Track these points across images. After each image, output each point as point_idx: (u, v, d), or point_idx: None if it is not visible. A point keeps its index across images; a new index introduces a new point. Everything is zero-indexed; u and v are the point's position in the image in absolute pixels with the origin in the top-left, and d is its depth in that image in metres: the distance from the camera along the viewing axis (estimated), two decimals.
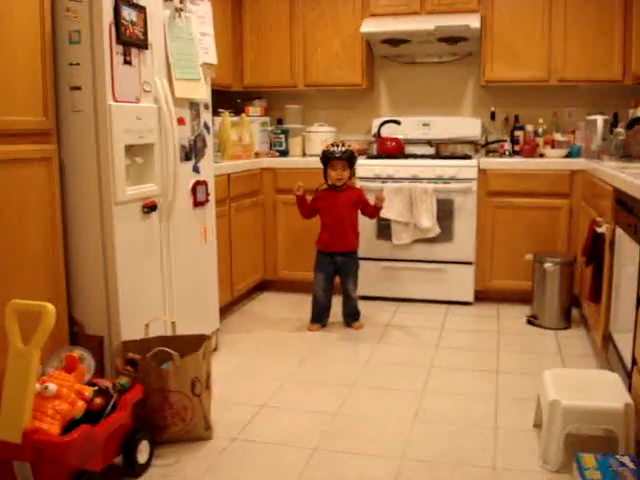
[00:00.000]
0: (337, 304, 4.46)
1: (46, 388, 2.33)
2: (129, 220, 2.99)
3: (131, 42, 2.92)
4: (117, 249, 2.91)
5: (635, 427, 2.49)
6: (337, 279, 4.43)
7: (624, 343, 2.93)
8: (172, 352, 2.71)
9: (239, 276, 4.69)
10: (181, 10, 3.31)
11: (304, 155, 5.43)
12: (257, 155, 5.14)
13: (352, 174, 4.38)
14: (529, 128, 5.13)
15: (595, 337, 3.72)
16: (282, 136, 5.43)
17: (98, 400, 2.48)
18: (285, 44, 5.30)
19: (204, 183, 3.64)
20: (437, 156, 5.10)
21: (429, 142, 5.34)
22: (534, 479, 2.52)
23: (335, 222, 4.30)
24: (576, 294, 4.46)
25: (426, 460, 2.68)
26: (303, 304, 4.91)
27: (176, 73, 3.27)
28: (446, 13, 4.94)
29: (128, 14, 2.88)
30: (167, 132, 3.17)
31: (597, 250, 3.58)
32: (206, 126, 3.65)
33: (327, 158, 4.27)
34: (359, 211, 4.39)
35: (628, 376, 2.77)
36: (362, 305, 4.71)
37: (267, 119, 5.49)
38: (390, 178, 4.78)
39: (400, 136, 5.30)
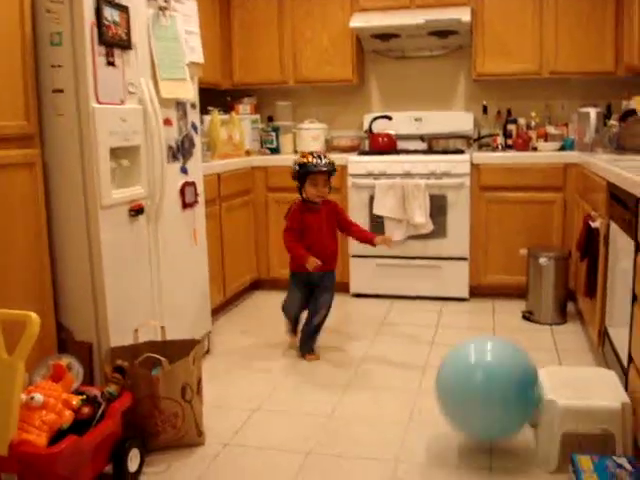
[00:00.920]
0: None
1: (32, 398, 2.28)
2: (116, 224, 2.94)
3: (114, 43, 2.87)
4: (104, 254, 2.86)
5: (632, 426, 2.46)
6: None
7: (620, 339, 2.89)
8: (161, 358, 2.67)
9: (231, 276, 4.65)
10: (165, 9, 3.25)
11: (296, 152, 5.38)
12: (248, 153, 5.10)
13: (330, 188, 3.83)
14: (522, 121, 5.09)
15: (591, 332, 3.69)
16: (273, 134, 5.38)
17: (86, 409, 2.44)
18: (274, 41, 5.25)
19: (193, 184, 3.59)
20: (429, 151, 5.06)
21: (421, 137, 5.30)
22: None
23: (321, 241, 3.79)
24: (571, 288, 4.43)
25: (421, 463, 2.64)
26: None
27: (161, 73, 3.21)
28: (436, 7, 4.89)
29: (110, 14, 2.83)
30: (153, 133, 3.11)
31: (592, 245, 3.54)
32: (194, 126, 3.59)
33: (308, 172, 3.67)
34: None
35: (624, 373, 2.73)
36: (356, 302, 4.69)
37: (257, 117, 5.45)
38: (382, 174, 4.73)
39: (392, 132, 5.25)
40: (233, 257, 4.67)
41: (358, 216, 4.80)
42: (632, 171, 2.83)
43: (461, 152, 4.84)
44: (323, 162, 3.67)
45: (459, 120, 5.26)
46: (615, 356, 2.98)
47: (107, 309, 2.91)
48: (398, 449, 2.75)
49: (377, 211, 4.70)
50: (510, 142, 5.03)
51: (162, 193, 3.20)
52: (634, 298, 2.58)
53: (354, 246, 4.71)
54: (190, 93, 3.49)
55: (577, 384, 2.67)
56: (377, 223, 4.75)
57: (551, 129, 4.98)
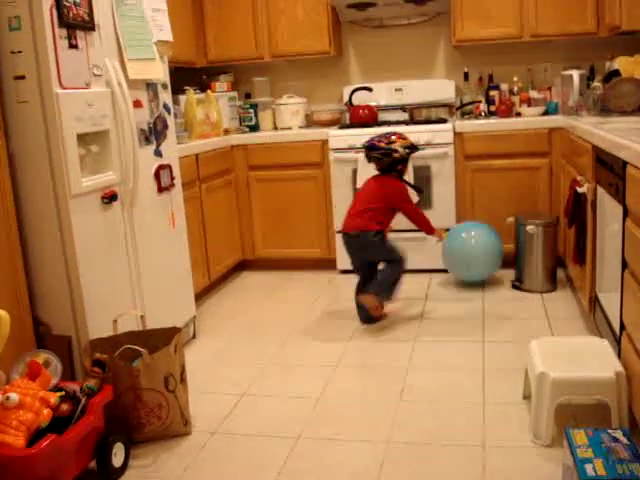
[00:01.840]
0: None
1: (7, 398, 2.21)
2: (88, 212, 2.84)
3: (76, 24, 2.75)
4: (77, 244, 2.76)
5: (627, 396, 2.40)
6: None
7: (611, 305, 2.83)
8: (140, 349, 2.59)
9: (215, 259, 4.57)
10: None
11: (275, 129, 5.29)
12: (226, 132, 4.99)
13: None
14: (504, 87, 4.99)
15: (581, 299, 3.63)
16: (251, 111, 5.28)
17: (65, 406, 2.37)
18: (248, 15, 5.11)
19: (168, 167, 3.49)
20: (411, 122, 4.96)
21: (403, 108, 5.19)
22: (525, 456, 2.43)
23: None
24: (560, 255, 4.37)
25: (413, 442, 2.58)
26: (283, 282, 4.84)
27: (128, 54, 3.10)
28: None
29: None
30: (123, 117, 3.01)
31: (579, 211, 3.47)
32: (166, 107, 3.49)
33: (412, 153, 3.95)
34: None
35: (617, 341, 2.67)
36: (343, 279, 4.63)
37: (235, 94, 5.33)
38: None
39: (373, 103, 5.16)
40: (216, 239, 4.58)
41: (341, 191, 4.72)
42: (617, 133, 2.75)
43: (444, 121, 4.75)
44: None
45: (440, 88, 5.16)
46: (607, 323, 2.92)
47: (84, 301, 2.82)
48: (389, 429, 2.69)
49: (360, 185, 4.60)
50: (493, 109, 4.94)
51: (135, 178, 3.10)
52: (624, 264, 2.52)
53: (338, 222, 4.63)
54: (160, 73, 3.38)
55: (569, 355, 2.61)
56: None
57: (534, 93, 4.89)
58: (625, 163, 2.46)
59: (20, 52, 2.63)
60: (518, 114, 4.81)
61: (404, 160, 3.90)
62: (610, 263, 2.87)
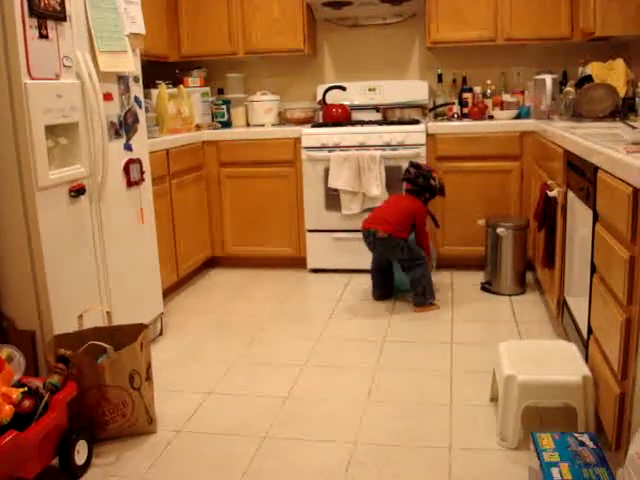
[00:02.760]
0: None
1: None
2: (55, 206, 2.78)
3: (47, 14, 2.69)
4: (43, 237, 2.71)
5: (594, 400, 2.41)
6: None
7: (579, 309, 2.85)
8: (105, 346, 2.55)
9: (185, 255, 4.52)
10: None
11: (248, 125, 5.25)
12: (198, 128, 4.95)
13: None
14: (477, 90, 5.01)
15: (550, 302, 3.65)
16: (224, 107, 5.24)
17: (27, 402, 2.32)
18: (222, 10, 5.07)
19: (138, 161, 3.44)
20: (384, 122, 4.95)
21: (376, 108, 5.19)
22: (492, 458, 2.43)
23: None
24: (530, 258, 4.39)
25: (379, 443, 2.57)
26: (253, 280, 4.80)
27: (99, 45, 3.05)
28: None
29: None
30: (92, 109, 2.96)
31: (549, 214, 3.49)
32: (137, 100, 3.44)
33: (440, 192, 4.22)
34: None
35: (584, 345, 2.68)
36: (313, 278, 4.61)
37: (207, 89, 5.28)
38: (337, 147, 4.62)
39: (346, 102, 5.15)
40: (186, 235, 4.54)
41: (313, 190, 4.70)
42: (589, 138, 2.77)
43: (416, 122, 4.75)
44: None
45: (414, 89, 5.16)
46: (574, 327, 2.93)
47: (49, 295, 2.76)
48: (357, 430, 2.68)
49: (332, 184, 4.60)
50: (466, 111, 4.96)
51: (104, 172, 3.05)
52: (593, 268, 2.53)
53: (309, 221, 4.62)
54: (131, 66, 3.33)
55: (536, 358, 2.62)
56: (332, 196, 4.66)
57: (507, 97, 4.91)
58: (596, 168, 2.47)
59: None
60: (491, 117, 4.83)
61: (433, 191, 4.17)
62: (579, 267, 2.88)
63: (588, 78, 4.27)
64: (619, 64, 4.27)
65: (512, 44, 4.81)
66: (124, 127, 3.31)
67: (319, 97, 5.23)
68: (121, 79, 3.29)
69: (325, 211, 4.73)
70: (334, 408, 2.88)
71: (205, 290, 4.68)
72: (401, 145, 4.55)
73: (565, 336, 3.16)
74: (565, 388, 2.42)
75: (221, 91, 5.46)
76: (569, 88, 4.37)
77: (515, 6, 4.64)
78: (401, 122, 4.83)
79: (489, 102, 4.93)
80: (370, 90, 5.22)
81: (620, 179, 2.13)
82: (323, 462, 2.47)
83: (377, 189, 4.53)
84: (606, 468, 1.95)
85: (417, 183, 4.12)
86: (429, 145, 4.58)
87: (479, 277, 4.49)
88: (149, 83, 4.47)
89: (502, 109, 4.85)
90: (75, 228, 2.93)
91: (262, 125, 5.14)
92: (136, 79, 3.44)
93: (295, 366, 3.32)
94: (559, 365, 2.54)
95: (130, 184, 3.38)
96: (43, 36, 2.70)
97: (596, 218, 2.50)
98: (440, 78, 5.14)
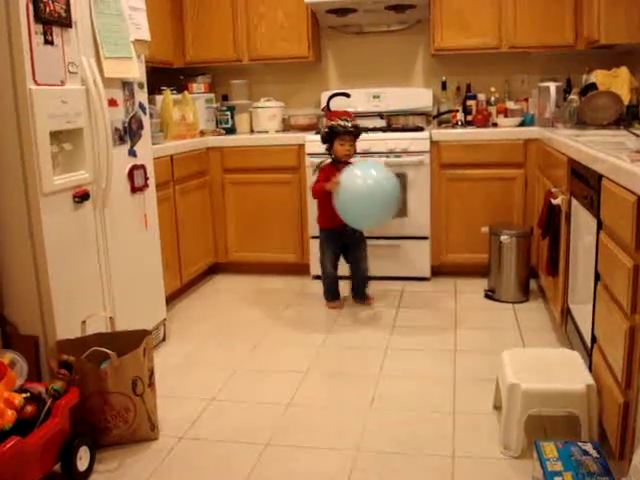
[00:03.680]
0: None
1: None
2: (59, 211, 2.79)
3: (52, 20, 2.70)
4: (47, 242, 2.71)
5: (597, 409, 2.40)
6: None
7: (582, 317, 2.84)
8: (108, 352, 2.55)
9: (188, 261, 4.53)
10: None
11: (252, 132, 5.26)
12: (202, 134, 4.96)
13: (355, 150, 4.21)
14: (481, 97, 5.02)
15: (553, 310, 3.64)
16: (228, 113, 5.24)
17: (30, 408, 2.32)
18: (227, 17, 5.08)
19: (142, 167, 3.44)
20: (388, 129, 4.95)
21: (380, 114, 5.19)
22: (494, 467, 2.43)
23: None
24: (533, 266, 4.38)
25: (382, 451, 2.57)
26: (256, 286, 4.80)
27: (104, 52, 3.05)
28: None
29: None
30: (97, 115, 2.96)
31: (553, 222, 3.48)
32: (142, 106, 3.44)
33: (336, 132, 4.07)
34: None
35: (588, 354, 2.67)
36: (316, 285, 4.60)
37: (212, 96, 5.29)
38: None
39: (350, 109, 5.14)
40: (189, 241, 4.54)
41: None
42: (593, 146, 2.77)
43: (420, 129, 4.75)
44: (350, 124, 4.07)
45: (418, 96, 5.16)
46: (578, 335, 2.93)
47: (52, 301, 2.76)
48: (359, 438, 2.67)
49: None
50: (470, 118, 4.96)
51: (109, 177, 3.05)
52: (597, 277, 2.52)
53: (313, 227, 4.61)
54: (136, 72, 3.33)
55: (540, 367, 2.61)
56: None
57: (511, 104, 4.91)
58: (600, 176, 2.47)
59: None
60: (495, 124, 4.82)
61: (323, 137, 4.21)
62: (583, 275, 2.88)
63: (592, 86, 4.26)
64: (623, 72, 4.27)
65: (516, 52, 4.81)
66: (128, 133, 3.32)
67: (323, 104, 5.22)
68: (126, 85, 3.30)
69: None
70: (336, 415, 2.87)
71: (208, 296, 4.68)
72: (405, 152, 4.55)
73: (568, 344, 3.15)
74: (569, 397, 2.42)
75: (225, 97, 5.47)
76: (573, 96, 4.37)
77: (519, 14, 4.65)
78: (405, 129, 4.83)
79: (493, 109, 4.93)
80: (374, 97, 5.22)
81: (624, 187, 2.13)
82: (325, 470, 2.46)
83: None
84: (610, 477, 1.94)
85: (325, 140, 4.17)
86: (433, 152, 4.58)
87: (482, 284, 4.48)
88: (154, 89, 4.47)
89: (506, 116, 4.85)
90: (79, 233, 2.94)
91: (266, 131, 5.14)
92: (141, 85, 3.44)
93: (298, 373, 3.31)
94: (563, 374, 2.53)
95: (134, 190, 3.38)
96: (48, 42, 2.71)
97: (600, 226, 2.49)
98: (444, 85, 5.14)
